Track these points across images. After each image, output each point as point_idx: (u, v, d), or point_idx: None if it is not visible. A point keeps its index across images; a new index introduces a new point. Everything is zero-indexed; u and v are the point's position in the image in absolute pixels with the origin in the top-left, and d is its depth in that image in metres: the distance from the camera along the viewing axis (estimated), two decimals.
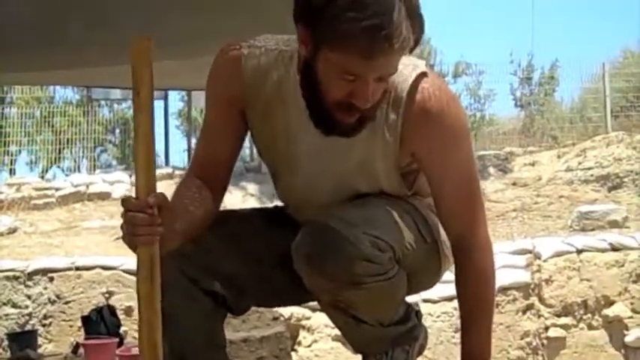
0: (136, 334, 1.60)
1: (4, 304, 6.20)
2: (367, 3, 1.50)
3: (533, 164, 10.41)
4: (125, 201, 1.53)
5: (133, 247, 1.53)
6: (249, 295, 1.91)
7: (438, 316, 6.04)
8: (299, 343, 6.15)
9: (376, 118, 1.70)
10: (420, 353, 1.93)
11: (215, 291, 1.83)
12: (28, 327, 6.09)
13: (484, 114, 14.12)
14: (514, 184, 9.79)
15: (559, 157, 10.42)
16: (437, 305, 5.99)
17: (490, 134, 13.41)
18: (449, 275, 1.91)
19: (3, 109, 13.23)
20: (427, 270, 1.89)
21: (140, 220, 1.50)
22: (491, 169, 10.39)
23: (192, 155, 1.85)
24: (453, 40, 31.45)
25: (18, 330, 5.97)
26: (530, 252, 6.65)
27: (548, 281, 6.45)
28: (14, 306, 6.20)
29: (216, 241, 1.82)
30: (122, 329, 4.93)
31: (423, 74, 1.72)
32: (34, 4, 3.16)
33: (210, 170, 1.85)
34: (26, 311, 6.22)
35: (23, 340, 4.94)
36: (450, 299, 5.91)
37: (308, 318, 6.08)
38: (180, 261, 1.74)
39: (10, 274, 6.27)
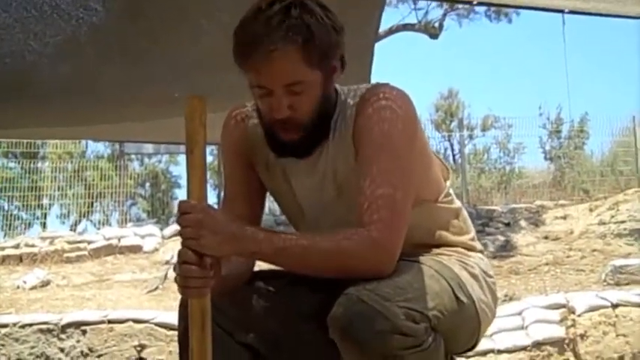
0: None
1: (38, 357, 6.22)
2: (247, 29, 1.68)
3: (564, 217, 10.32)
4: (182, 252, 1.58)
5: (186, 297, 1.60)
6: (283, 350, 1.90)
7: None
8: None
9: (330, 134, 1.79)
10: None
11: (250, 344, 1.84)
12: None
13: (514, 167, 14.11)
14: (546, 237, 9.71)
15: (591, 210, 10.32)
16: None
17: (520, 187, 13.35)
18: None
19: (36, 163, 13.44)
20: (465, 331, 1.86)
21: (194, 272, 1.57)
22: (523, 222, 10.32)
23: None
24: (481, 94, 31.55)
25: None
26: (564, 306, 6.54)
27: (583, 336, 6.33)
28: (47, 359, 6.22)
29: (250, 296, 1.85)
30: None
31: (377, 84, 1.80)
32: (71, 60, 3.22)
33: None
34: None
35: None
36: (483, 354, 5.84)
37: None
38: (216, 314, 1.76)
39: (44, 327, 6.31)
